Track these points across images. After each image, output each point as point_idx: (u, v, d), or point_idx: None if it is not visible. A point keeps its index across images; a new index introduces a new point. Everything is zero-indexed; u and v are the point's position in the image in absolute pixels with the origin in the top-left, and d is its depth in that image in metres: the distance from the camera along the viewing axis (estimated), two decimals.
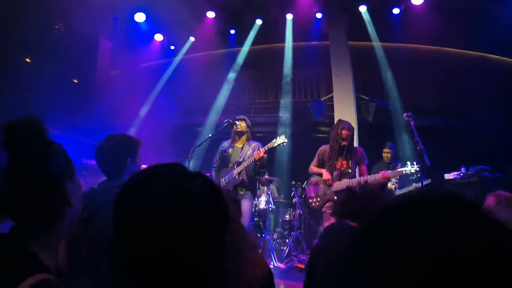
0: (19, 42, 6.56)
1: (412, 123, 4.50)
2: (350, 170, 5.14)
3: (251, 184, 5.26)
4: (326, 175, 5.12)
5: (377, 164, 6.62)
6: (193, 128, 9.78)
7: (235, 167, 5.20)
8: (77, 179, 1.13)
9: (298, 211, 7.68)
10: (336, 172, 5.17)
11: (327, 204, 5.12)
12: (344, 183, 5.05)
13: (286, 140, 4.86)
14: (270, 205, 7.66)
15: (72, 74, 8.04)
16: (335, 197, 5.05)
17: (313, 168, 5.37)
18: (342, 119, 5.46)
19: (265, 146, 5.01)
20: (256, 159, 4.93)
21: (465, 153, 6.74)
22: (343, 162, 5.15)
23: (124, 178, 2.33)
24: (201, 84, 9.80)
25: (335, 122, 5.40)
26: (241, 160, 5.24)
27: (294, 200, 7.91)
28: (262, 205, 7.68)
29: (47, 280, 0.93)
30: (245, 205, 4.96)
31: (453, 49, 9.62)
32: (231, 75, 10.00)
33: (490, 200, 2.51)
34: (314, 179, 5.37)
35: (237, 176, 5.11)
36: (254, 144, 5.42)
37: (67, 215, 1.08)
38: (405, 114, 4.65)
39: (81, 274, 2.08)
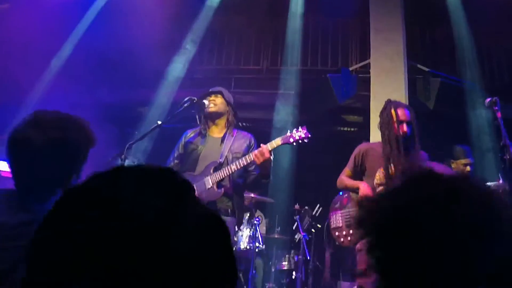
0: None
1: (499, 114, 4.57)
2: None
3: (236, 203, 5.31)
4: (365, 189, 5.12)
5: None
6: (133, 108, 9.77)
7: (211, 171, 5.21)
8: None
9: (303, 255, 7.73)
10: (384, 185, 5.16)
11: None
12: None
13: (309, 135, 4.93)
14: (257, 244, 7.69)
15: None
16: None
17: (344, 179, 5.37)
18: (383, 102, 5.53)
19: (273, 142, 5.02)
20: (257, 162, 4.96)
21: None
22: (399, 168, 5.15)
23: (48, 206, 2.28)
24: (148, 38, 9.77)
25: (384, 104, 5.43)
26: (221, 160, 5.27)
27: (297, 236, 7.99)
28: (244, 244, 7.69)
29: None
30: None
31: None
32: (199, 25, 10.01)
33: None
34: (344, 197, 5.43)
35: (214, 187, 5.13)
36: (241, 135, 5.48)
37: None
38: (489, 99, 4.71)
39: None
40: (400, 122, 5.11)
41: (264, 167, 5.05)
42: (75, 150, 2.31)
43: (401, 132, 5.07)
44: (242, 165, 5.06)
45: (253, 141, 5.40)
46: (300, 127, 5.02)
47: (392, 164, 5.05)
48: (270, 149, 4.94)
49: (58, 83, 9.19)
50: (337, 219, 5.42)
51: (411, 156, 5.12)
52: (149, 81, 9.77)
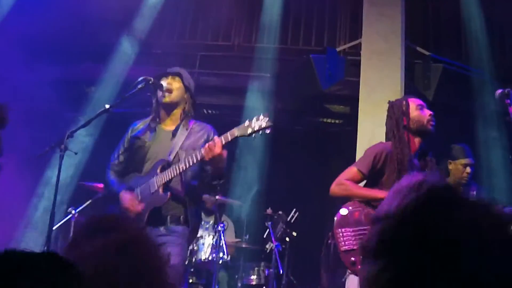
0: None
1: (511, 109, 4.60)
2: None
3: (190, 209, 5.22)
4: None
5: None
6: (77, 87, 9.67)
7: (158, 171, 5.16)
8: None
9: (275, 268, 7.74)
10: None
11: None
12: None
13: (271, 124, 4.81)
14: (222, 254, 7.68)
15: None
16: None
17: (355, 186, 5.11)
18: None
19: (227, 133, 4.92)
20: (206, 158, 4.88)
21: None
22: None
23: None
24: (96, 2, 9.66)
25: (389, 104, 5.41)
26: (171, 157, 5.21)
27: (269, 245, 8.01)
28: (205, 254, 7.69)
29: None
30: (173, 256, 4.94)
31: None
32: None
33: None
34: (356, 210, 5.18)
35: (160, 191, 5.07)
36: (199, 127, 5.43)
37: None
38: (500, 91, 4.75)
39: None
40: (421, 107, 5.16)
41: (215, 164, 4.97)
42: None
43: (428, 116, 5.10)
44: (192, 163, 4.97)
45: (212, 135, 5.30)
46: (262, 114, 4.87)
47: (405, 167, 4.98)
48: (223, 143, 4.86)
49: None
50: (349, 239, 4.99)
51: (427, 159, 5.17)
52: (97, 55, 9.67)
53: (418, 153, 5.18)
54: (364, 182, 5.28)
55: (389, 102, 5.40)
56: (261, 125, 4.82)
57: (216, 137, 4.95)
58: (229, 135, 4.90)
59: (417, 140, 5.16)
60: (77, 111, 8.55)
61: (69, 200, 8.28)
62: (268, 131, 4.86)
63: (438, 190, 1.60)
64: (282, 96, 9.28)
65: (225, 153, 4.90)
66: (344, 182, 5.12)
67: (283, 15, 9.72)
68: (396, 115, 5.19)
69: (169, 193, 5.05)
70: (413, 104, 5.19)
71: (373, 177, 5.13)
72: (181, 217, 5.14)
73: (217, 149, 4.80)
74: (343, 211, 5.06)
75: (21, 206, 8.80)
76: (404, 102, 5.21)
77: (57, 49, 9.67)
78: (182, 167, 4.99)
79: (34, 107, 8.76)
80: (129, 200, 5.17)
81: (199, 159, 4.92)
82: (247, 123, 4.87)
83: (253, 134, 4.87)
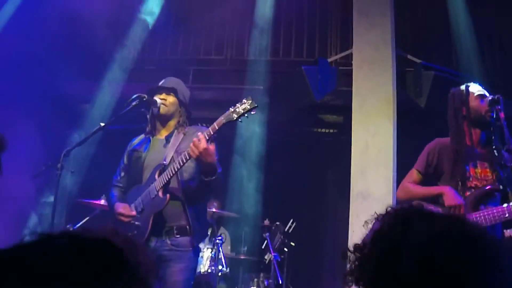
0: None
1: (502, 114, 4.60)
2: (501, 186, 4.84)
3: (190, 211, 5.13)
4: (451, 197, 4.79)
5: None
6: (72, 104, 9.64)
7: (156, 176, 5.12)
8: None
9: (274, 278, 7.72)
10: (470, 189, 4.89)
11: None
12: (494, 214, 4.64)
13: (255, 105, 4.78)
14: (220, 267, 7.66)
15: None
16: None
17: (413, 187, 5.11)
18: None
19: (214, 123, 4.85)
20: (193, 155, 4.78)
21: None
22: (485, 168, 4.98)
23: None
24: (90, 20, 9.65)
25: (450, 93, 5.32)
26: (166, 161, 5.17)
27: (267, 256, 7.98)
28: (204, 267, 7.66)
29: None
30: (178, 272, 4.93)
31: None
32: (152, 7, 9.98)
33: None
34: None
35: (160, 194, 5.01)
36: (194, 129, 5.36)
37: None
38: (490, 97, 4.75)
39: None
40: (482, 96, 4.98)
41: (204, 159, 4.80)
42: None
43: (487, 106, 4.89)
44: (183, 162, 4.91)
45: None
46: (245, 98, 4.84)
47: (461, 160, 4.89)
48: (208, 137, 4.79)
49: None
50: None
51: (498, 148, 4.91)
52: (91, 72, 9.65)
53: (481, 143, 5.01)
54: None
55: (450, 91, 5.28)
56: (245, 108, 4.79)
57: (199, 133, 4.83)
58: (216, 125, 4.84)
59: (477, 131, 5.01)
60: (72, 128, 8.52)
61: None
62: (253, 113, 4.83)
63: (402, 211, 1.68)
64: (276, 108, 9.27)
65: (212, 147, 4.82)
66: (406, 184, 5.16)
67: (274, 28, 9.74)
68: (455, 104, 5.10)
69: (168, 196, 4.99)
70: (473, 93, 5.05)
71: (434, 173, 5.07)
72: (184, 224, 5.08)
73: (202, 144, 4.72)
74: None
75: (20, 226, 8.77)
76: (464, 91, 5.08)
77: (51, 66, 9.66)
78: (176, 167, 4.94)
79: (30, 124, 8.74)
80: (122, 207, 5.15)
81: (188, 158, 4.87)
82: (231, 109, 4.81)
83: (239, 118, 4.81)
